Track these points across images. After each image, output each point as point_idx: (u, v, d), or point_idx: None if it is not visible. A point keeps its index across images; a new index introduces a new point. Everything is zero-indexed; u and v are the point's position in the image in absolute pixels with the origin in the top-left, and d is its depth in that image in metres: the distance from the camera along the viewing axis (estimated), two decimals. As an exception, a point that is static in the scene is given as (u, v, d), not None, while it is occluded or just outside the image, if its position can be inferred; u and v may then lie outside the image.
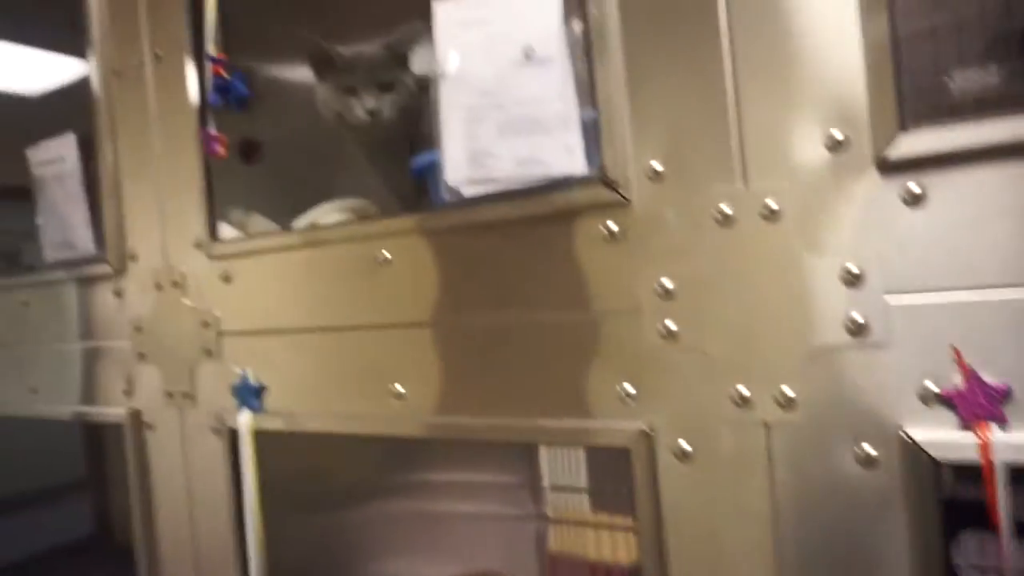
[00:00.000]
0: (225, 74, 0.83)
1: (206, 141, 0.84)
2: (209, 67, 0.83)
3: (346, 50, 0.85)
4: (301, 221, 0.99)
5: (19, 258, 1.64)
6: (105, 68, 1.00)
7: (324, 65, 0.85)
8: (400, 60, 0.83)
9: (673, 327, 0.60)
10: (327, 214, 1.00)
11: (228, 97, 0.83)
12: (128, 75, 0.99)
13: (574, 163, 0.63)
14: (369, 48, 0.85)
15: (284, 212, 1.05)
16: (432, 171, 0.74)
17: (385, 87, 0.82)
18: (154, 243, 0.97)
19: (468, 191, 0.68)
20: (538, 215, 0.66)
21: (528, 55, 0.63)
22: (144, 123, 0.97)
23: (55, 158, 1.03)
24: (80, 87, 1.49)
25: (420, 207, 0.90)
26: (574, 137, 0.62)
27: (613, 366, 0.63)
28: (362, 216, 1.03)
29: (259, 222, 1.05)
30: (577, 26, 0.62)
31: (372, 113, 0.81)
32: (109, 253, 1.01)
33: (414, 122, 0.86)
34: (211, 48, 0.83)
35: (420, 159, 0.77)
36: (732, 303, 0.57)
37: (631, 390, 0.62)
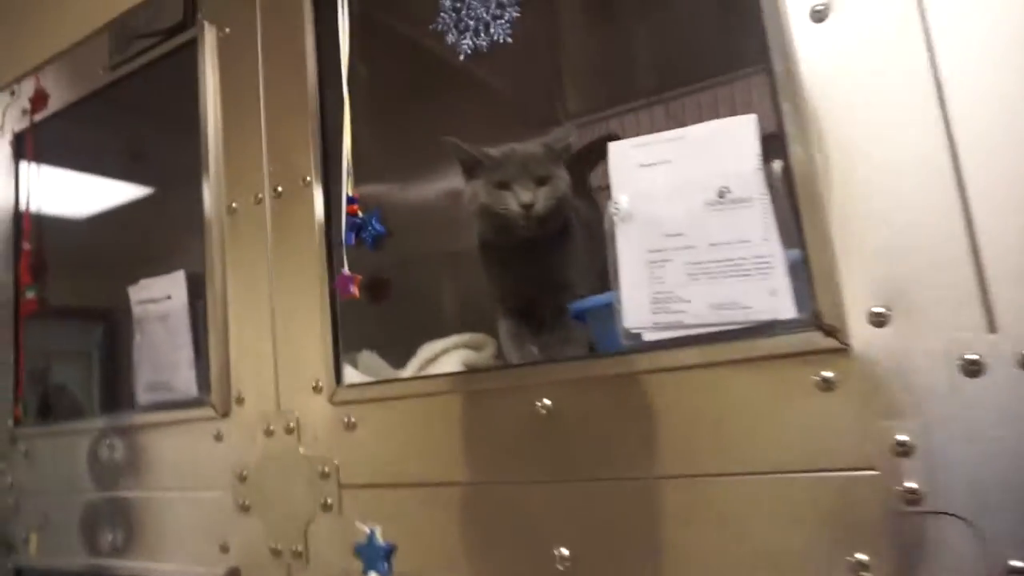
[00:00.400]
0: (360, 213, 0.81)
1: (342, 282, 0.80)
2: (344, 206, 0.81)
3: (495, 150, 0.83)
4: (415, 361, 0.94)
5: (47, 376, 1.60)
6: (219, 202, 0.99)
7: (473, 165, 0.82)
8: (555, 157, 0.80)
9: (914, 486, 0.54)
10: (445, 353, 0.95)
11: (363, 236, 0.81)
12: (243, 210, 0.97)
13: (781, 307, 0.58)
14: (523, 146, 0.83)
15: (396, 347, 1.01)
16: (598, 314, 0.70)
17: (540, 181, 0.79)
18: (265, 386, 0.92)
19: (651, 336, 0.64)
20: (735, 361, 0.61)
21: (723, 195, 0.60)
22: (259, 260, 0.94)
23: (160, 296, 1.00)
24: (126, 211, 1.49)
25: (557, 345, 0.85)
26: (779, 279, 0.58)
27: (839, 532, 0.56)
28: (475, 348, 0.98)
29: (371, 360, 1.00)
30: (776, 164, 0.60)
31: (526, 206, 0.77)
32: (213, 395, 0.95)
33: (563, 220, 0.83)
34: (348, 187, 0.81)
35: (584, 302, 0.73)
36: (992, 461, 0.51)
37: (864, 558, 0.55)
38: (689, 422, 0.63)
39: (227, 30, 1.02)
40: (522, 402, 0.71)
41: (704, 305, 0.61)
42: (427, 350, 0.95)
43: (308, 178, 0.90)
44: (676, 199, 0.62)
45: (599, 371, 0.67)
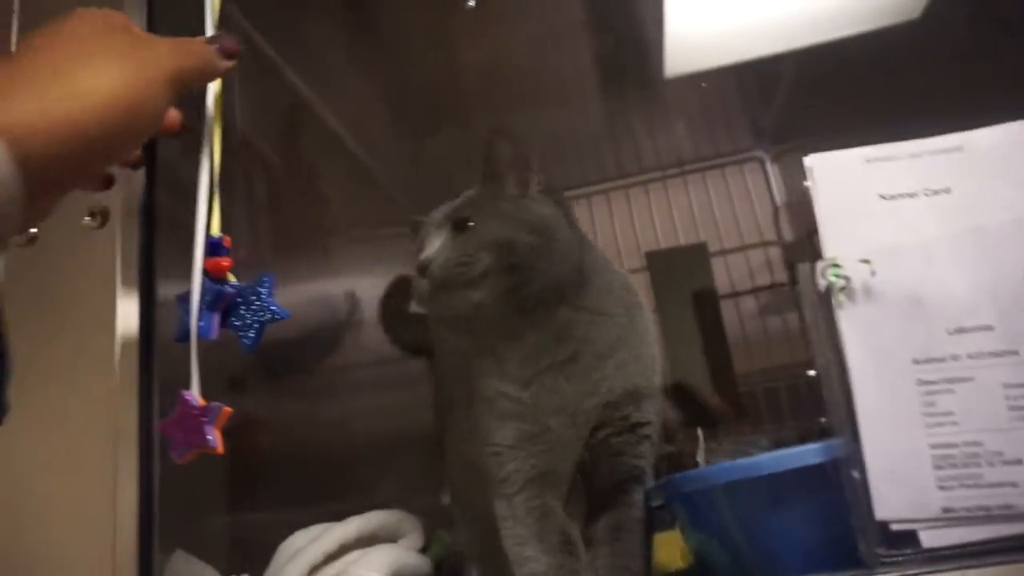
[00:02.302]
0: (233, 277, 0.39)
1: (187, 424, 0.36)
2: (199, 259, 0.38)
3: None
4: (289, 571, 0.49)
5: None
6: None
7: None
8: (512, 189, 0.47)
9: None
10: (347, 554, 0.52)
11: (236, 322, 0.39)
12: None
13: None
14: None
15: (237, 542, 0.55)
16: (744, 491, 0.36)
17: (459, 225, 0.46)
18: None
19: (937, 537, 0.31)
20: None
21: (1068, 253, 0.32)
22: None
23: None
24: None
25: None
26: None
27: None
28: (390, 538, 0.56)
29: (190, 572, 0.52)
30: None
31: (420, 266, 0.45)
32: None
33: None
34: (213, 222, 0.39)
35: (742, 466, 0.37)
36: None
37: None
38: None
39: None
40: None
41: (1057, 472, 0.30)
42: (308, 551, 0.51)
43: (106, 210, 0.46)
44: (968, 261, 0.33)
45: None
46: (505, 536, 0.45)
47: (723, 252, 0.94)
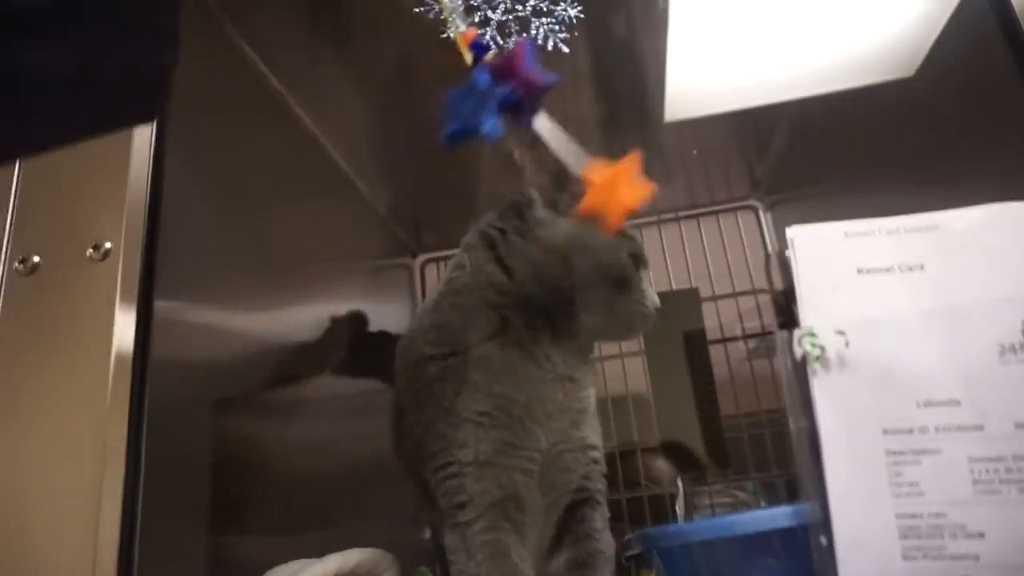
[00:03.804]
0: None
1: None
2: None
3: None
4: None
5: None
6: None
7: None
8: None
9: None
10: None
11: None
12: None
13: None
14: None
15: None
16: (719, 552, 0.36)
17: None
18: None
19: (900, 606, 0.32)
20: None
21: (1033, 335, 0.33)
22: None
23: None
24: None
25: None
26: None
27: None
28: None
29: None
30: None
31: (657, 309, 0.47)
32: None
33: None
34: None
35: (724, 523, 0.38)
36: None
37: None
38: None
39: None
40: None
41: (1017, 543, 0.31)
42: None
43: (108, 245, 0.47)
44: (939, 337, 0.34)
45: None
46: (453, 572, 0.43)
47: (714, 297, 0.95)
